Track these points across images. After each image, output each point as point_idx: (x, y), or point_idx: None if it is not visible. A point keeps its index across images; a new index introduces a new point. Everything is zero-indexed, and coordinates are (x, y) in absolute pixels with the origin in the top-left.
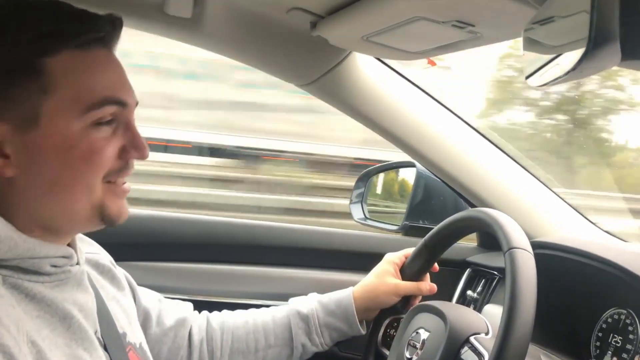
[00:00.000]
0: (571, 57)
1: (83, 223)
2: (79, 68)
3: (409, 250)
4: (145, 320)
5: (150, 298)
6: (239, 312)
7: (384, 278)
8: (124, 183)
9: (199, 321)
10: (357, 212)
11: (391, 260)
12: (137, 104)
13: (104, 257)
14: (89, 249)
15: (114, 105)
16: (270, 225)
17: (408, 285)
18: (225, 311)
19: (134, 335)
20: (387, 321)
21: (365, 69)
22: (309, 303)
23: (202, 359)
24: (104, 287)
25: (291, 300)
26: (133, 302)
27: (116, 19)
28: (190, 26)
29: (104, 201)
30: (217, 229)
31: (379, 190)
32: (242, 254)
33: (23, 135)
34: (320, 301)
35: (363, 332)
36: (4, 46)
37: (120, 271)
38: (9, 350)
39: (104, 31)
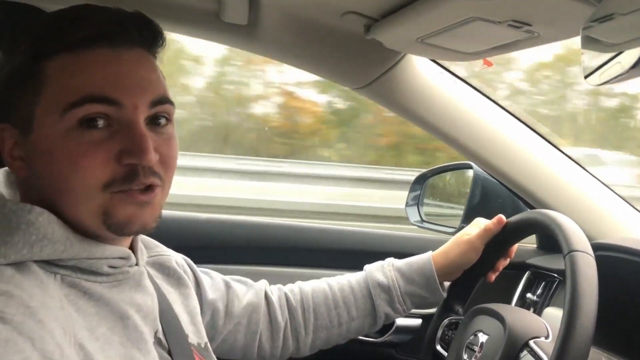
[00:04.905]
0: (633, 55)
1: (93, 230)
2: (70, 69)
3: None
4: (213, 313)
5: (217, 289)
6: (314, 286)
7: (460, 239)
8: (144, 191)
9: (276, 297)
10: (413, 214)
11: (476, 224)
12: (154, 103)
13: (169, 259)
14: (152, 251)
15: (98, 103)
16: (326, 228)
17: (479, 233)
18: (300, 284)
19: (198, 335)
20: (445, 322)
21: (421, 71)
22: (387, 271)
23: (287, 338)
24: (168, 290)
25: (366, 267)
26: (197, 299)
27: (125, 16)
28: (245, 33)
29: (108, 209)
30: (273, 231)
31: (435, 192)
32: (299, 256)
33: (25, 138)
34: (400, 269)
35: (444, 295)
36: (6, 52)
37: (186, 268)
38: (50, 356)
39: (99, 30)
